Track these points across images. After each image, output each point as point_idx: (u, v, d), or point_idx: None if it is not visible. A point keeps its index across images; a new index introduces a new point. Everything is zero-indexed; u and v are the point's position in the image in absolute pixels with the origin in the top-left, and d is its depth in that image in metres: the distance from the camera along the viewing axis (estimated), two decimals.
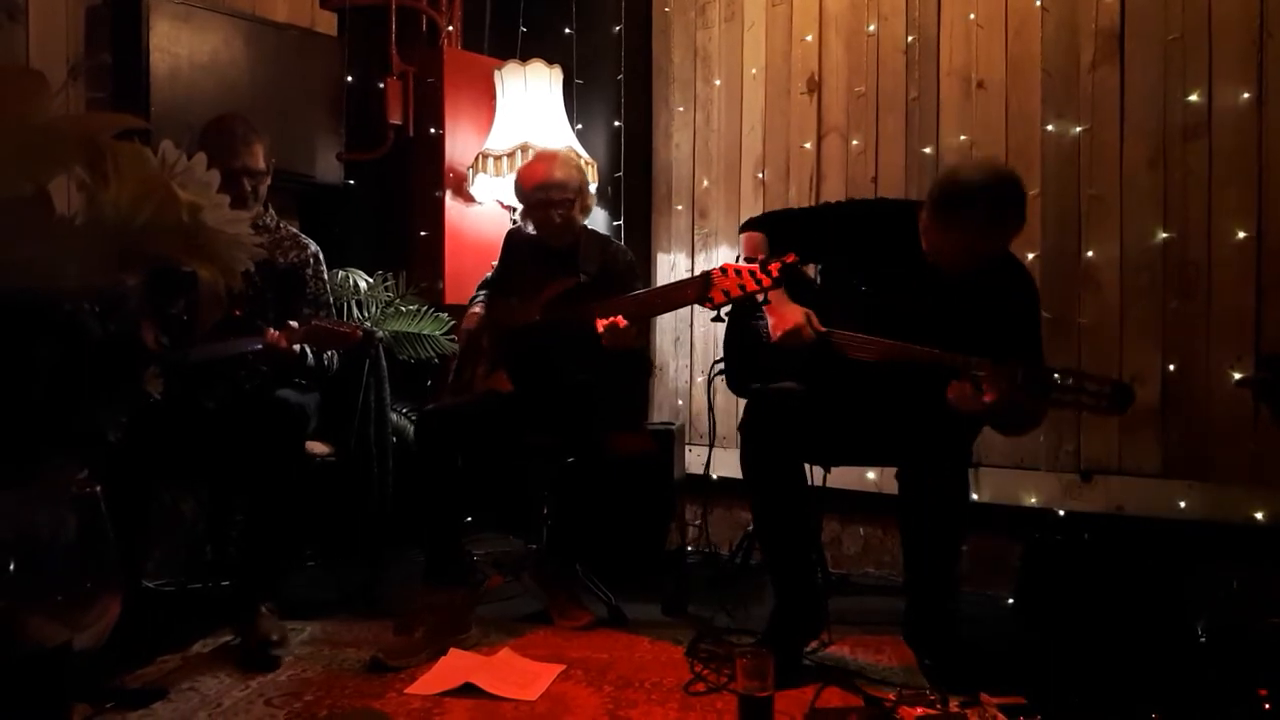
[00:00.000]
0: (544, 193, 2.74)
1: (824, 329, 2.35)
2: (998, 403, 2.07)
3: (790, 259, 2.22)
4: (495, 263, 3.04)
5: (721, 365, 2.76)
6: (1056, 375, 2.08)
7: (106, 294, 0.87)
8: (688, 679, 2.22)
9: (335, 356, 2.66)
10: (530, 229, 2.85)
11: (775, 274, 2.22)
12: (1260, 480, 2.67)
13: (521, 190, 2.82)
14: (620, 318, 2.45)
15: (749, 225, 2.57)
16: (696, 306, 2.75)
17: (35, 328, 0.83)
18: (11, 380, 0.82)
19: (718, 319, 2.36)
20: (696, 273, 3.88)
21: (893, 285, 2.33)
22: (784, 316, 2.36)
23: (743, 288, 2.27)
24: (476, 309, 2.91)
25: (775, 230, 2.51)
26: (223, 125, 2.54)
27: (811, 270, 2.68)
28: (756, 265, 2.25)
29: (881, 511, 3.28)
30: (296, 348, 2.47)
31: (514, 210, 3.64)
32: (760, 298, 2.34)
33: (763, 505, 2.33)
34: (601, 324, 2.46)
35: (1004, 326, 2.23)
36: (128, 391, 0.91)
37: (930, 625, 2.26)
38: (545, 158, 2.87)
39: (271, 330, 2.41)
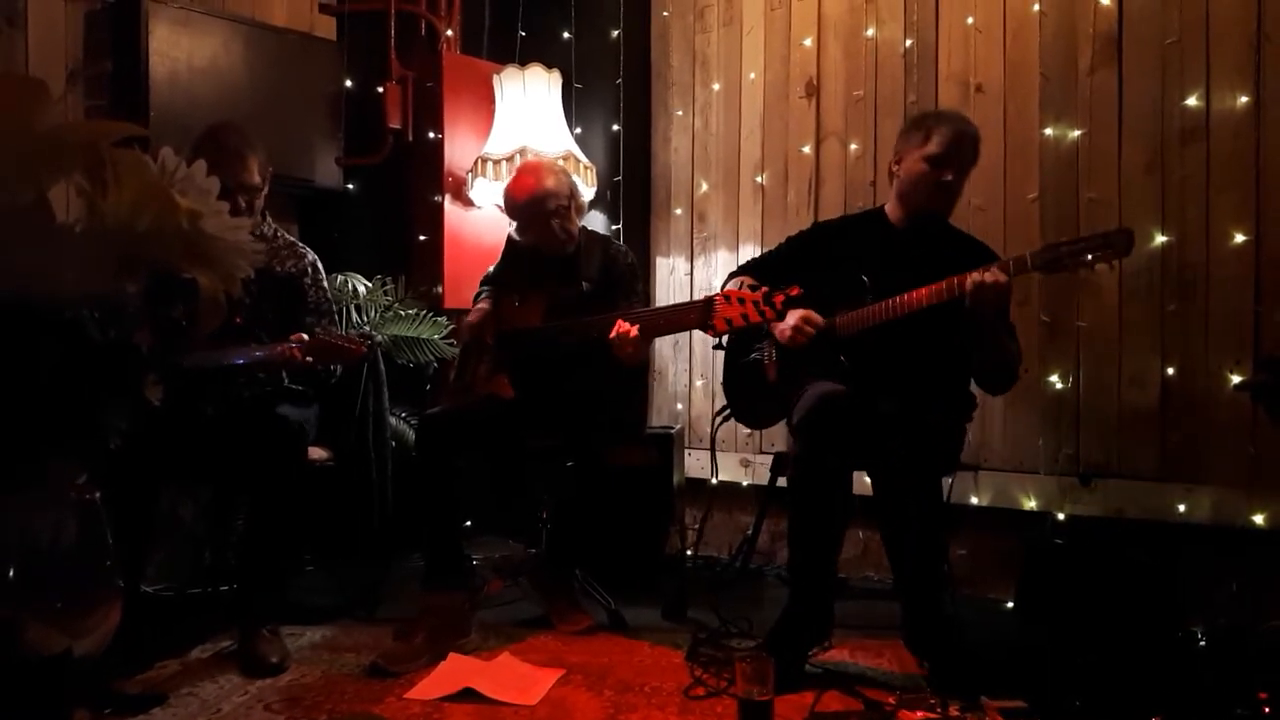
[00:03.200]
0: (539, 205, 2.73)
1: (824, 320, 2.38)
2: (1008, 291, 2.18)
3: (795, 292, 2.24)
4: (496, 263, 3.04)
5: (727, 411, 2.77)
6: (1058, 245, 2.20)
7: (107, 301, 0.87)
8: (688, 683, 2.22)
9: (339, 365, 2.66)
10: (530, 241, 2.82)
11: (779, 306, 2.24)
12: (1259, 483, 2.67)
13: (515, 205, 2.79)
14: (634, 328, 2.44)
15: (735, 275, 2.68)
16: None
17: (36, 334, 0.83)
18: (13, 387, 0.82)
19: (719, 346, 2.37)
20: (695, 277, 3.90)
21: (876, 268, 2.42)
22: (786, 321, 2.40)
23: (745, 318, 2.28)
24: (484, 304, 2.89)
25: (761, 275, 2.59)
26: (216, 139, 2.49)
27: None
28: (760, 296, 2.26)
29: None
30: (310, 359, 2.46)
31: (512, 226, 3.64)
32: (764, 330, 2.38)
33: (806, 506, 2.30)
34: (614, 333, 2.45)
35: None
36: (128, 398, 0.91)
37: (926, 629, 2.26)
38: (530, 169, 2.85)
39: (285, 346, 2.40)
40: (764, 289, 2.28)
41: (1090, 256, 2.11)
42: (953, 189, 2.41)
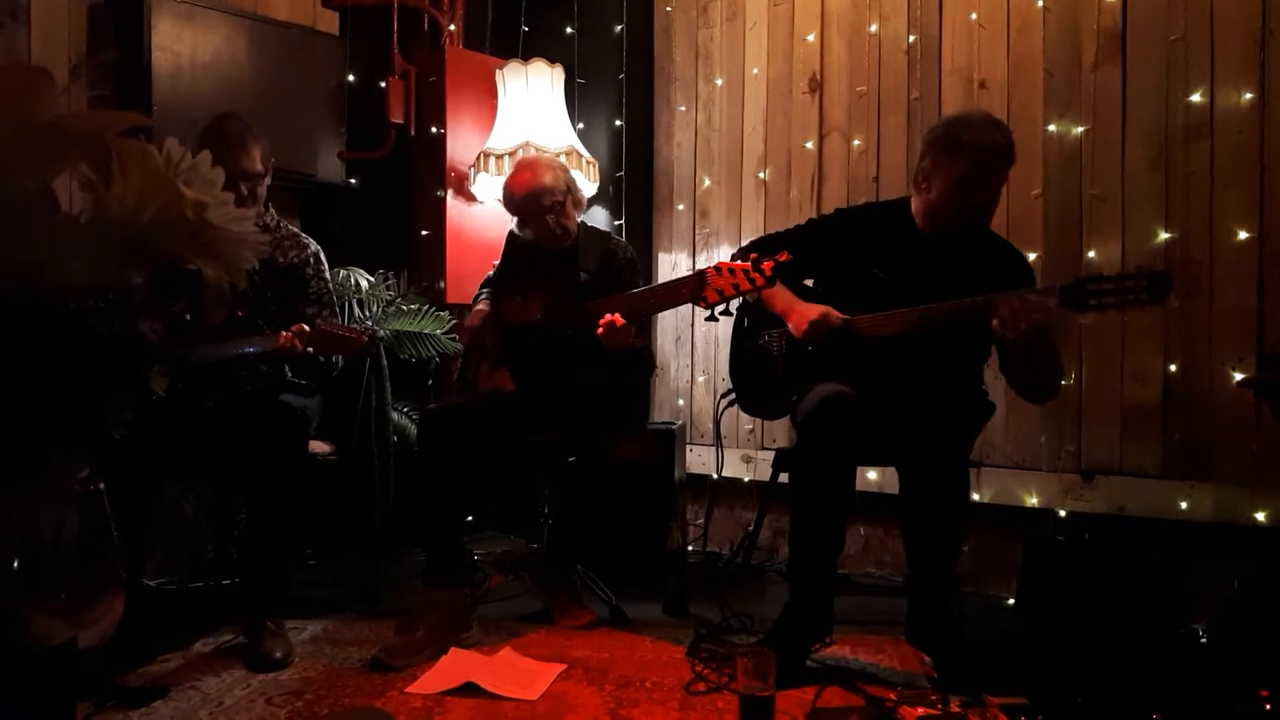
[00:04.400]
0: (535, 200, 2.74)
1: (845, 317, 2.36)
2: (1044, 323, 2.07)
3: (783, 257, 2.23)
4: (496, 262, 3.05)
5: (732, 395, 2.76)
6: (1089, 281, 2.10)
7: (111, 291, 0.86)
8: (689, 679, 2.22)
9: (340, 356, 2.66)
10: (530, 236, 2.84)
11: (768, 272, 2.24)
12: (1261, 481, 2.66)
13: (513, 201, 2.81)
14: (618, 316, 2.46)
15: (744, 249, 2.61)
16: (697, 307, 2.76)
17: (41, 325, 0.83)
18: (17, 378, 0.82)
19: (711, 318, 2.36)
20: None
21: (897, 271, 2.36)
22: (803, 314, 2.38)
23: (736, 287, 2.29)
24: (481, 306, 2.91)
25: (770, 252, 2.53)
26: (219, 127, 2.51)
27: (810, 284, 2.67)
28: (749, 264, 2.26)
29: (882, 511, 3.28)
30: (310, 349, 2.46)
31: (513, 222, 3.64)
32: (752, 297, 2.36)
33: (809, 505, 2.28)
34: (600, 323, 2.47)
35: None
36: (133, 389, 0.91)
37: (934, 625, 2.26)
38: (527, 165, 2.87)
39: (284, 334, 2.41)
40: (753, 255, 2.27)
41: (1131, 298, 2.04)
42: (987, 208, 2.32)
